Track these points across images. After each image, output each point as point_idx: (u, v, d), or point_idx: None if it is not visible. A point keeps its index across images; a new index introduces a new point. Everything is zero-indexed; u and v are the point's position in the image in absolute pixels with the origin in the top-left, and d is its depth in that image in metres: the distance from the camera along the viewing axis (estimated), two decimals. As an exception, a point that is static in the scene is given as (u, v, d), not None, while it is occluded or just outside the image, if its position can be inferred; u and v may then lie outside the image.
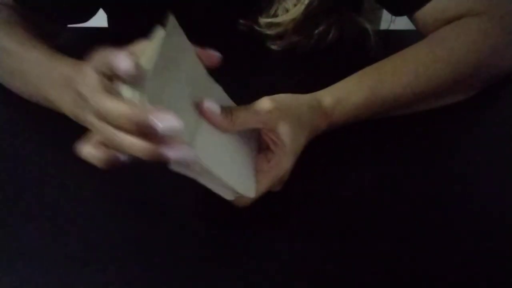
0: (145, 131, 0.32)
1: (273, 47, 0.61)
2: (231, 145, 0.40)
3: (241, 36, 0.61)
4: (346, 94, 0.47)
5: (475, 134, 0.51)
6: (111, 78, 0.35)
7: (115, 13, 0.72)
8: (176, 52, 0.36)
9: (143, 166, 0.40)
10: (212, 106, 0.38)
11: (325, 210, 0.43)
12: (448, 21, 0.52)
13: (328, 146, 0.47)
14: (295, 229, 0.41)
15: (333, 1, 0.59)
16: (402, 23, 0.62)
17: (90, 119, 0.35)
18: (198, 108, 0.38)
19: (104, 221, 0.42)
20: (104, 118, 0.34)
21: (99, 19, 0.68)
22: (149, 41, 0.36)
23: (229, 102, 0.42)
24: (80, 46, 0.42)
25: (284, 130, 0.40)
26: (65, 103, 0.47)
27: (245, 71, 0.59)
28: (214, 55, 0.39)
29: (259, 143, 0.43)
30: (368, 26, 0.61)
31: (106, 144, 0.36)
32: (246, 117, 0.39)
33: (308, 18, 0.58)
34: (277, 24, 0.59)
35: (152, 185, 0.45)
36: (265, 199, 0.40)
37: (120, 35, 0.42)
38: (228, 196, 0.39)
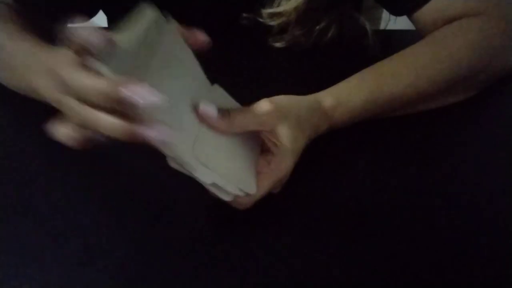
0: (122, 108, 0.31)
1: (276, 44, 0.61)
2: (231, 143, 0.40)
3: (243, 34, 0.61)
4: (346, 95, 0.47)
5: (475, 134, 0.51)
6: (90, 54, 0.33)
7: (115, 10, 0.72)
8: (167, 46, 0.36)
9: (142, 166, 0.40)
10: (208, 109, 0.38)
11: (325, 210, 0.43)
12: (448, 21, 0.52)
13: (328, 147, 0.47)
14: (295, 229, 0.41)
15: None
16: (402, 23, 0.62)
17: (66, 100, 0.34)
18: (195, 111, 0.38)
19: (104, 221, 0.42)
20: (80, 96, 0.33)
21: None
22: (133, 19, 0.35)
23: (228, 100, 0.42)
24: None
25: (284, 132, 0.40)
26: (45, 88, 0.44)
27: (245, 69, 0.59)
28: (201, 38, 0.38)
29: (261, 143, 0.43)
30: (367, 25, 0.61)
31: (83, 125, 0.34)
32: (245, 119, 0.39)
33: (309, 10, 0.58)
34: (280, 14, 0.59)
35: (153, 185, 0.45)
36: (265, 199, 0.40)
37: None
38: (226, 197, 0.39)
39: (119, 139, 0.32)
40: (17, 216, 0.42)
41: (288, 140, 0.40)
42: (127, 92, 0.30)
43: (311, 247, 0.40)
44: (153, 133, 0.31)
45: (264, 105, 0.40)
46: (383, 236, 0.40)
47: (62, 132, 0.34)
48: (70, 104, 0.33)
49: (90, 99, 0.32)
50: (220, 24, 0.58)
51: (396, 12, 0.59)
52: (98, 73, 0.32)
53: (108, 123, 0.32)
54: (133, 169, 0.46)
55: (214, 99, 0.40)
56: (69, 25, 0.35)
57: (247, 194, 0.39)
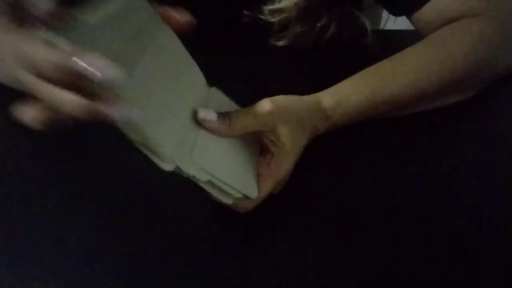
0: (81, 83, 0.30)
1: (277, 42, 0.61)
2: (231, 146, 0.40)
3: (244, 32, 0.61)
4: (346, 95, 0.47)
5: (475, 134, 0.51)
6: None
7: None
8: (160, 39, 0.35)
9: (143, 167, 0.40)
10: (207, 115, 0.38)
11: (325, 210, 0.43)
12: (448, 22, 0.52)
13: (328, 147, 0.47)
14: (295, 229, 0.41)
15: None
16: (402, 23, 0.62)
17: (23, 77, 0.32)
18: (194, 118, 0.38)
19: (104, 221, 0.42)
20: (38, 70, 0.31)
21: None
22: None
23: (227, 102, 0.42)
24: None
25: (284, 132, 0.40)
26: (6, 68, 0.40)
27: (245, 69, 0.59)
28: (183, 18, 0.37)
29: (259, 145, 0.43)
30: (367, 23, 0.61)
31: (46, 105, 0.32)
32: (245, 120, 0.39)
33: (310, 7, 0.58)
34: (280, 10, 0.59)
35: (153, 186, 0.45)
36: (265, 199, 0.40)
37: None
38: (227, 200, 0.39)
39: (82, 118, 0.31)
40: (17, 216, 0.42)
41: (288, 140, 0.40)
42: (82, 64, 0.29)
43: (311, 247, 0.40)
44: (113, 111, 0.30)
45: (265, 105, 0.40)
46: (383, 236, 0.40)
47: (27, 113, 0.33)
48: (29, 80, 0.32)
49: (47, 74, 0.31)
50: (221, 22, 0.59)
51: (395, 12, 0.59)
52: (55, 47, 0.30)
53: (68, 100, 0.30)
54: (134, 169, 0.46)
55: (212, 102, 0.40)
56: None
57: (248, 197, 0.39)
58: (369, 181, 0.45)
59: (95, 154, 0.49)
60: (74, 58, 0.29)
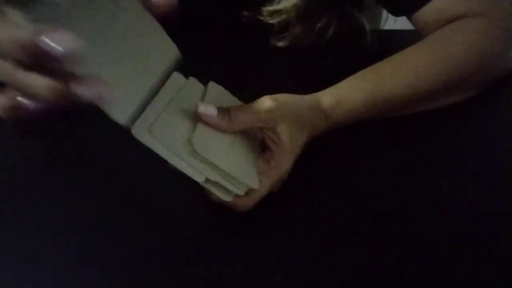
0: (44, 60, 0.28)
1: (277, 43, 0.61)
2: (230, 137, 0.40)
3: (244, 33, 0.61)
4: (346, 95, 0.47)
5: (475, 134, 0.51)
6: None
7: None
8: (129, 19, 0.35)
9: (143, 166, 0.40)
10: (208, 109, 0.38)
11: (325, 210, 0.43)
12: (448, 22, 0.52)
13: (328, 147, 0.47)
14: (295, 229, 0.41)
15: None
16: (402, 23, 0.62)
17: None
18: (194, 112, 0.38)
19: (103, 221, 0.42)
20: (1, 51, 0.30)
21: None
22: None
23: (227, 96, 0.42)
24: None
25: (284, 130, 0.40)
26: None
27: (245, 68, 0.59)
28: (162, 1, 0.36)
29: (259, 141, 0.43)
30: (366, 24, 0.61)
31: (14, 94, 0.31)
32: (246, 116, 0.39)
33: (309, 8, 0.58)
34: (280, 12, 0.59)
35: (152, 185, 0.45)
36: (265, 199, 0.40)
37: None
38: (226, 197, 0.39)
39: (50, 102, 0.30)
40: (17, 216, 0.42)
41: (287, 138, 0.40)
42: (44, 39, 0.27)
43: (312, 246, 0.40)
44: (83, 89, 0.29)
45: (266, 102, 0.40)
46: (383, 235, 0.40)
47: None
48: (0, 66, 0.31)
49: (13, 54, 0.30)
50: (221, 22, 0.59)
51: (396, 12, 0.59)
52: (18, 25, 0.29)
53: (39, 83, 0.29)
54: (134, 169, 0.46)
55: (213, 97, 0.40)
56: None
57: (248, 191, 0.39)
58: (369, 181, 0.45)
59: (95, 154, 0.49)
60: (36, 34, 0.28)
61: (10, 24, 0.29)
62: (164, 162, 0.37)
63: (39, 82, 0.29)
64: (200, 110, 0.38)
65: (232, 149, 0.39)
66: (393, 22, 0.65)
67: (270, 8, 0.59)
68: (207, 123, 0.38)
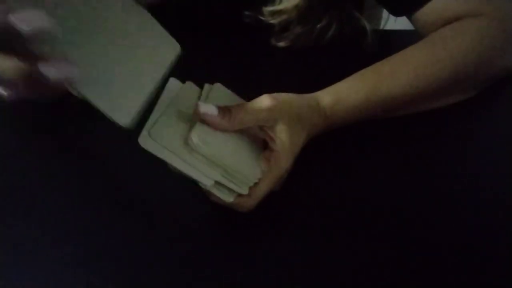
0: (14, 41, 0.27)
1: (278, 43, 0.62)
2: (232, 136, 0.40)
3: (245, 33, 0.61)
4: (345, 95, 0.47)
5: (475, 134, 0.51)
6: None
7: None
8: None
9: (143, 166, 0.40)
10: (208, 109, 0.38)
11: (325, 210, 0.43)
12: (448, 22, 0.52)
13: (328, 146, 0.47)
14: (295, 229, 0.41)
15: None
16: (402, 23, 0.62)
17: None
18: (194, 112, 0.38)
19: (103, 221, 0.42)
20: None
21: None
22: None
23: (230, 95, 0.42)
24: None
25: (283, 129, 0.40)
26: None
27: (246, 68, 0.59)
28: None
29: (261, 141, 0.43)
30: (366, 24, 0.61)
31: None
32: (246, 116, 0.39)
33: (310, 8, 0.58)
34: (281, 12, 0.59)
35: (152, 186, 0.45)
36: (265, 199, 0.40)
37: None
38: (227, 197, 0.39)
39: (19, 84, 0.29)
40: (17, 216, 0.42)
41: (286, 137, 0.41)
42: (11, 18, 0.27)
43: (312, 246, 0.40)
44: (49, 69, 0.28)
45: (265, 101, 0.40)
46: (383, 234, 0.40)
47: None
48: None
49: None
50: (222, 22, 0.59)
51: (396, 12, 0.59)
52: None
53: (8, 65, 0.29)
54: (133, 170, 0.46)
55: (218, 98, 0.40)
56: None
57: (250, 191, 0.39)
58: (369, 180, 0.45)
59: (94, 154, 0.49)
60: (3, 13, 0.27)
61: None
62: (164, 161, 0.37)
63: (9, 64, 0.29)
64: (200, 110, 0.38)
65: (234, 147, 0.39)
66: (393, 22, 0.65)
67: (271, 8, 0.59)
68: (207, 123, 0.38)
